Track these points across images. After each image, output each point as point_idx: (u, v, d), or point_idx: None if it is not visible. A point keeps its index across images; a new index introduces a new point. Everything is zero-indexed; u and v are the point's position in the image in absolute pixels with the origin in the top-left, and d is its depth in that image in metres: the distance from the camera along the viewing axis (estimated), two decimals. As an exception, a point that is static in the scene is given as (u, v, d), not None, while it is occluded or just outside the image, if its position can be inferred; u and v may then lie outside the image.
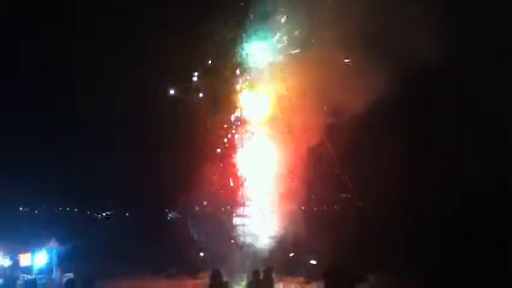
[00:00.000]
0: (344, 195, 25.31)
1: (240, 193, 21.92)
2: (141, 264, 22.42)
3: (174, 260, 21.90)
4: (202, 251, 20.95)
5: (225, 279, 12.49)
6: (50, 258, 18.91)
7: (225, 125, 22.41)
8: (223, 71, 22.90)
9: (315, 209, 24.60)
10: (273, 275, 13.80)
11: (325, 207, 26.76)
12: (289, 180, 22.00)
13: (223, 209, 21.94)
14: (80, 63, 33.03)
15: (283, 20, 21.96)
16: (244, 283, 17.54)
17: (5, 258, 17.67)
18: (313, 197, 23.53)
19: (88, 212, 55.24)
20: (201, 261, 21.00)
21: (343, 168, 22.49)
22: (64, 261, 19.55)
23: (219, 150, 22.18)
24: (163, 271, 21.84)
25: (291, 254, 21.39)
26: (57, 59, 34.69)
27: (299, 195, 22.07)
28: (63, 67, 35.26)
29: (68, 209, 56.26)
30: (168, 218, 32.50)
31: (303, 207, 22.75)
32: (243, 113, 22.72)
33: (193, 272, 20.84)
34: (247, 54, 22.83)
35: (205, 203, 22.50)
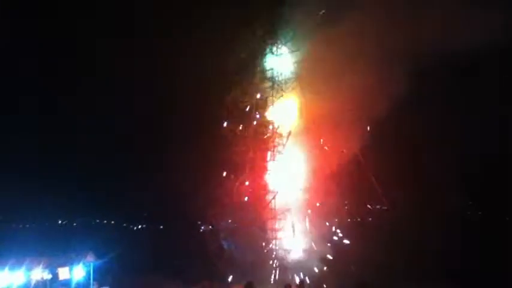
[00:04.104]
0: (379, 207, 24.82)
1: (271, 206, 21.76)
2: (174, 276, 22.54)
3: (207, 272, 21.93)
4: (234, 264, 20.85)
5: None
6: (88, 272, 19.29)
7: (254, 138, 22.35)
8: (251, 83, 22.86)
9: (348, 220, 24.05)
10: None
11: (359, 219, 26.27)
12: (322, 192, 21.74)
13: (255, 222, 21.79)
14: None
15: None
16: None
17: (45, 271, 18.02)
18: (346, 208, 23.08)
19: (124, 225, 56.42)
20: (234, 273, 20.92)
21: (378, 178, 22.03)
22: (101, 275, 19.89)
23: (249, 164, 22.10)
24: (197, 283, 21.87)
25: (324, 268, 21.03)
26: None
27: (332, 207, 21.77)
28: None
29: (105, 221, 57.69)
30: (201, 231, 32.65)
31: (336, 219, 22.36)
32: (274, 126, 22.63)
33: (226, 284, 20.78)
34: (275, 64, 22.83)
35: (237, 216, 22.42)
